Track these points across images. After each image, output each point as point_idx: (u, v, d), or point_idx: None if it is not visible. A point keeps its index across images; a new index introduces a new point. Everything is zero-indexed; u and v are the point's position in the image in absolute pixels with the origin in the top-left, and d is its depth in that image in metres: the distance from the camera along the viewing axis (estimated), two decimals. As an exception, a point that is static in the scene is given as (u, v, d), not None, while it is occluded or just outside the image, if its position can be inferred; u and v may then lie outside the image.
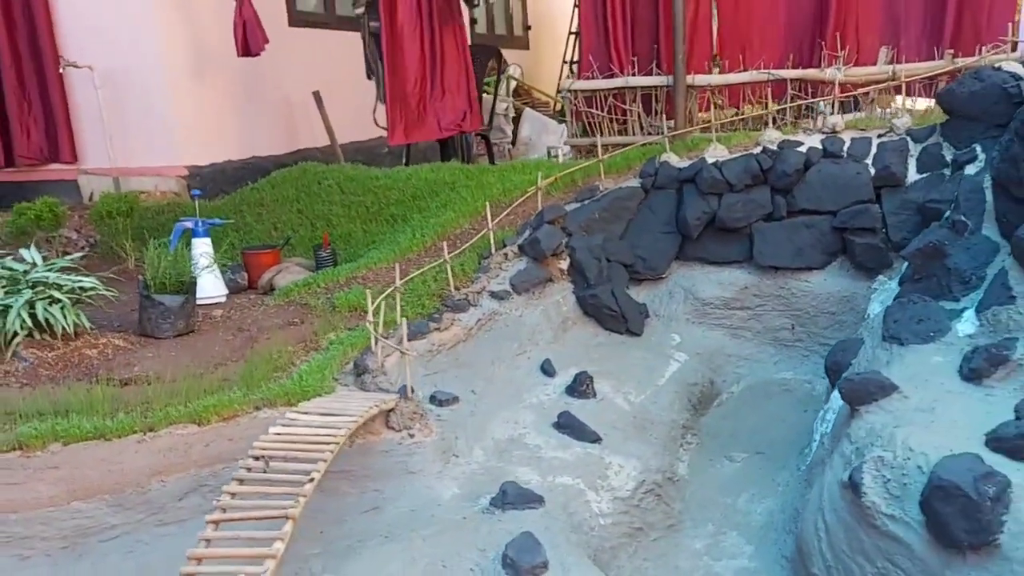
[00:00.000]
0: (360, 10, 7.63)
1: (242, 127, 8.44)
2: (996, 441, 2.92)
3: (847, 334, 4.84)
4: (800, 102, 6.30)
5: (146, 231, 6.49)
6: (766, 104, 6.26)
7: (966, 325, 3.82)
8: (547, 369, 4.81)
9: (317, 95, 8.50)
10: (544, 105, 13.05)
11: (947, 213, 4.61)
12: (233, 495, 2.75)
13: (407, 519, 3.33)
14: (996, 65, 5.08)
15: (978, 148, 4.90)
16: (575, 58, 8.50)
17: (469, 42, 10.36)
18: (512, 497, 3.30)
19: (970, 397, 3.34)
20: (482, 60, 9.02)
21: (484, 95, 9.58)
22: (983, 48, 5.91)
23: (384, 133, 7.47)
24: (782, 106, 6.20)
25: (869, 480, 3.05)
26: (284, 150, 8.91)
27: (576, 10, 7.41)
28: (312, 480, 2.76)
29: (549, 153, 8.98)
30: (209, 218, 5.58)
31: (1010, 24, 5.91)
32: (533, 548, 2.89)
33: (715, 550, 3.88)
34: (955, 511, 2.67)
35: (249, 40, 7.46)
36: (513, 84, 12.67)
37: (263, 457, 2.89)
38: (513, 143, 11.56)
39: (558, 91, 9.67)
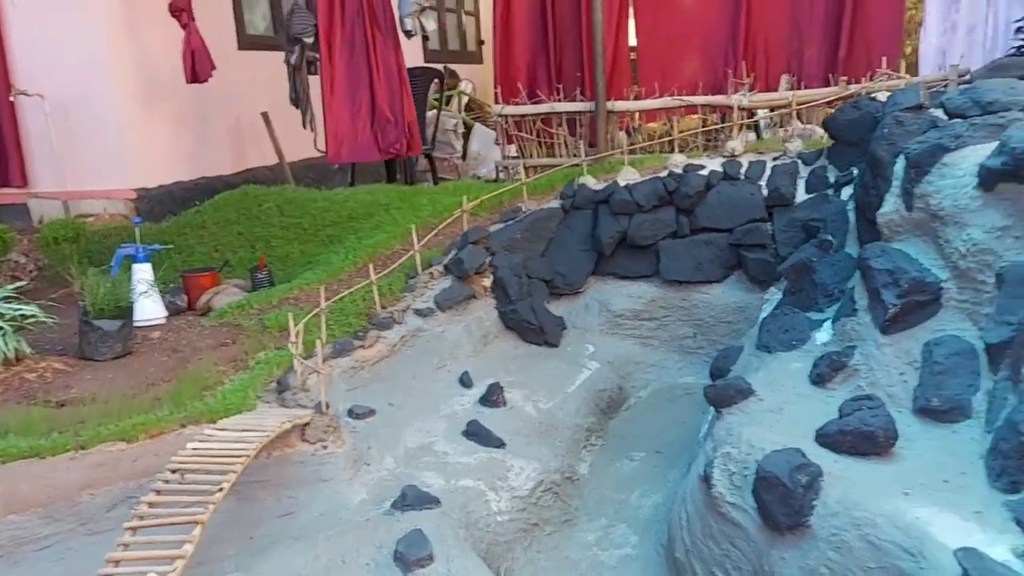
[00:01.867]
0: (311, 39, 7.97)
1: (192, 149, 8.76)
2: (823, 437, 3.37)
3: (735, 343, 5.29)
4: (711, 127, 6.76)
5: (93, 255, 6.80)
6: (670, 130, 6.72)
7: (823, 335, 4.29)
8: (465, 381, 5.21)
9: (266, 115, 8.84)
10: (495, 121, 13.45)
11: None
12: (151, 504, 3.11)
13: (317, 522, 3.70)
14: (871, 95, 5.57)
15: (855, 171, 5.38)
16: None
17: (420, 63, 10.76)
18: (411, 499, 3.69)
19: (814, 399, 3.80)
20: (425, 82, 9.42)
21: (429, 112, 9.98)
22: (871, 76, 6.42)
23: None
24: (690, 131, 6.66)
25: (718, 473, 3.49)
26: (233, 170, 9.24)
27: (495, 36, 7.83)
28: (221, 489, 3.13)
29: (497, 168, 9.40)
30: (149, 244, 5.91)
31: (900, 58, 6.43)
32: (420, 543, 3.28)
33: (604, 541, 4.31)
34: (775, 498, 3.11)
35: (197, 67, 7.80)
36: (465, 99, 13.06)
37: (179, 470, 3.25)
38: (463, 157, 11.95)
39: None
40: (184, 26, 7.65)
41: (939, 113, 4.13)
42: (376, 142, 7.87)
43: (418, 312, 5.53)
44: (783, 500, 3.10)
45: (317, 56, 7.76)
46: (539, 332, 5.87)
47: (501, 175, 7.99)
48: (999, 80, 3.89)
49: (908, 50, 6.80)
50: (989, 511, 2.82)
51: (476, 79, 14.20)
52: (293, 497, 3.88)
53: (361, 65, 7.68)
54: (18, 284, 5.16)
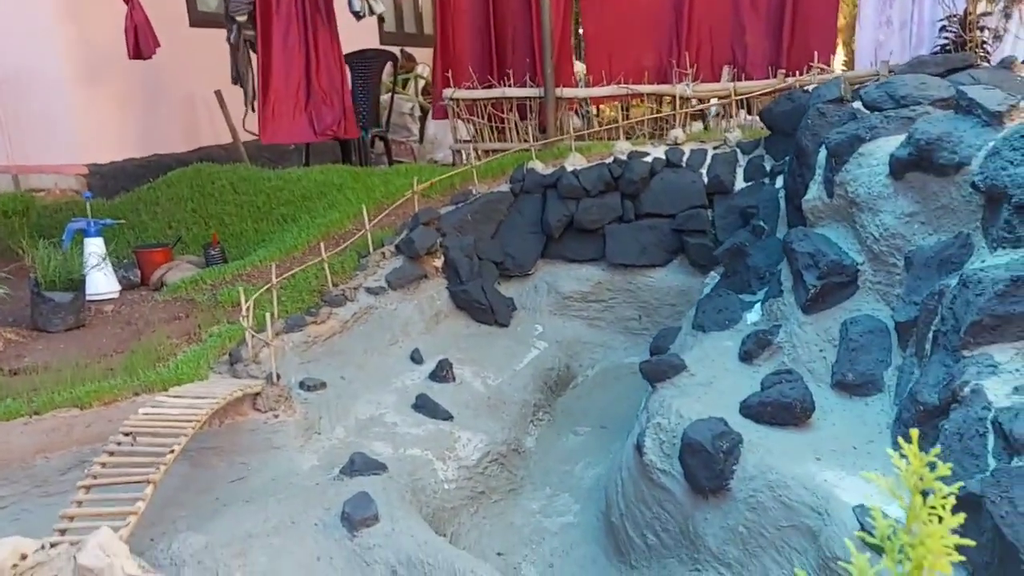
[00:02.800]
0: (243, 18, 7.97)
1: (143, 125, 8.71)
2: (745, 408, 3.62)
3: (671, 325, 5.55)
4: (656, 115, 7.00)
5: (44, 229, 6.77)
6: (623, 117, 6.94)
7: (754, 315, 4.56)
8: (415, 357, 5.37)
9: (219, 94, 8.81)
10: (451, 104, 13.53)
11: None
12: (103, 465, 3.22)
13: (268, 486, 3.84)
14: (805, 87, 5.85)
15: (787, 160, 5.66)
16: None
17: (375, 45, 10.79)
18: (359, 465, 3.85)
19: (741, 374, 4.06)
20: (378, 65, 9.47)
21: (385, 96, 10.04)
22: (808, 69, 6.71)
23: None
24: (637, 119, 6.89)
25: (649, 442, 3.73)
26: (186, 148, 9.21)
27: (437, 24, 7.94)
28: (172, 452, 3.25)
29: (453, 153, 9.52)
30: (101, 218, 5.93)
31: (832, 53, 6.72)
32: (366, 504, 3.45)
33: (548, 509, 4.53)
34: (699, 463, 3.35)
35: (140, 44, 7.74)
36: (422, 83, 13.11)
37: (132, 433, 3.37)
38: (420, 141, 12.03)
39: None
40: (127, 1, 7.59)
41: (859, 106, 4.41)
42: (311, 123, 7.92)
43: (369, 290, 5.67)
44: (706, 465, 3.34)
45: (254, 35, 7.78)
46: (489, 312, 6.05)
47: (455, 159, 8.13)
48: (912, 76, 4.16)
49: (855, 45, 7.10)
50: (890, 474, 3.10)
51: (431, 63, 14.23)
52: (245, 463, 4.02)
53: (297, 46, 7.71)
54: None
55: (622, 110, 7.64)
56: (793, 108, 5.62)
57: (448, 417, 4.75)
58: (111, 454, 3.30)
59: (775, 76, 6.77)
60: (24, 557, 2.66)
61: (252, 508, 3.60)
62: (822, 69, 6.44)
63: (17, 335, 4.87)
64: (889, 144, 3.85)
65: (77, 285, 5.07)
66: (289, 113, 7.79)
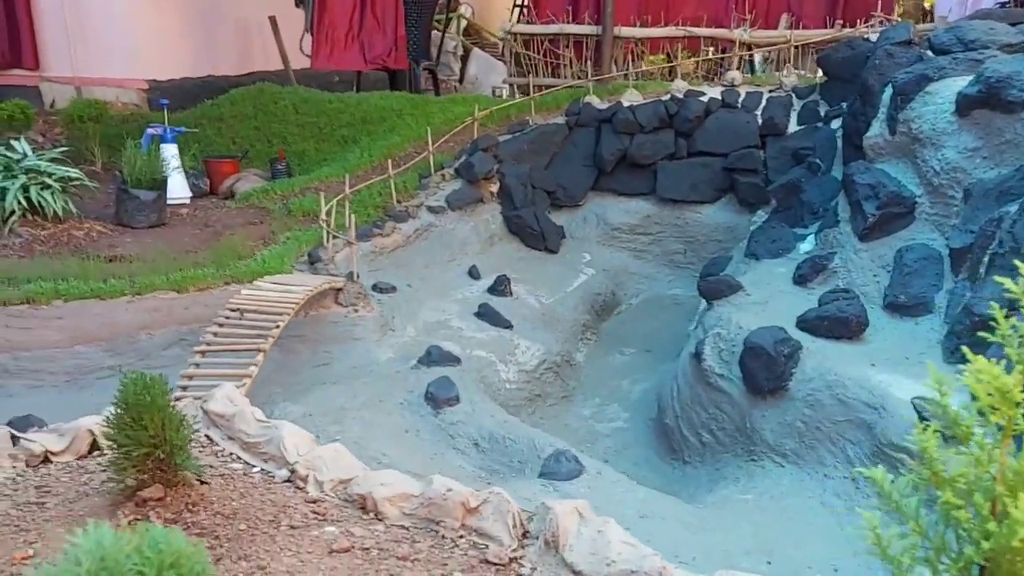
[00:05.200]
0: None
1: (200, 46, 8.88)
2: (802, 322, 3.88)
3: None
4: (713, 57, 7.13)
5: (111, 138, 7.02)
6: (672, 56, 7.08)
7: (807, 245, 4.79)
8: (473, 273, 5.64)
9: (273, 20, 8.94)
10: (492, 46, 13.57)
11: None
12: (215, 334, 3.52)
13: (351, 372, 4.15)
14: (866, 36, 5.99)
15: (844, 105, 5.82)
16: (523, 1, 9.10)
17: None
18: (436, 357, 4.15)
19: (796, 295, 4.31)
20: (432, 1, 9.57)
21: (434, 32, 10.15)
22: (867, 20, 6.83)
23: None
24: (696, 59, 7.03)
25: (708, 350, 4.00)
26: (239, 71, 9.37)
27: None
28: (278, 327, 3.55)
29: (493, 92, 9.66)
30: (176, 126, 6.17)
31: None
32: (448, 387, 3.75)
33: (599, 416, 4.83)
34: (760, 365, 3.63)
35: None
36: (463, 23, 13.15)
37: (238, 309, 3.66)
38: (460, 81, 12.14)
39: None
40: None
41: (925, 51, 4.58)
42: (362, 52, 8.08)
43: (431, 209, 5.92)
44: (767, 367, 3.61)
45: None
46: (540, 238, 6.30)
47: (500, 93, 8.28)
48: (981, 22, 4.33)
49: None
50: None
51: (474, 4, 14.24)
52: (328, 351, 4.32)
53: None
54: (60, 148, 5.41)
55: (669, 60, 7.74)
56: (853, 55, 5.77)
57: (508, 326, 5.03)
58: (220, 326, 3.59)
59: (832, 27, 6.88)
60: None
61: (341, 388, 3.91)
62: (885, 19, 6.55)
63: (105, 228, 5.15)
64: (956, 84, 4.03)
65: (160, 185, 5.34)
66: (342, 41, 7.94)
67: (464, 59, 12.47)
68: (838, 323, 3.76)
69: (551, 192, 6.64)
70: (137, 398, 2.24)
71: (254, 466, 2.65)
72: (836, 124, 5.72)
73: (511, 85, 8.18)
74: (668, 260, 6.52)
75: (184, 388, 3.26)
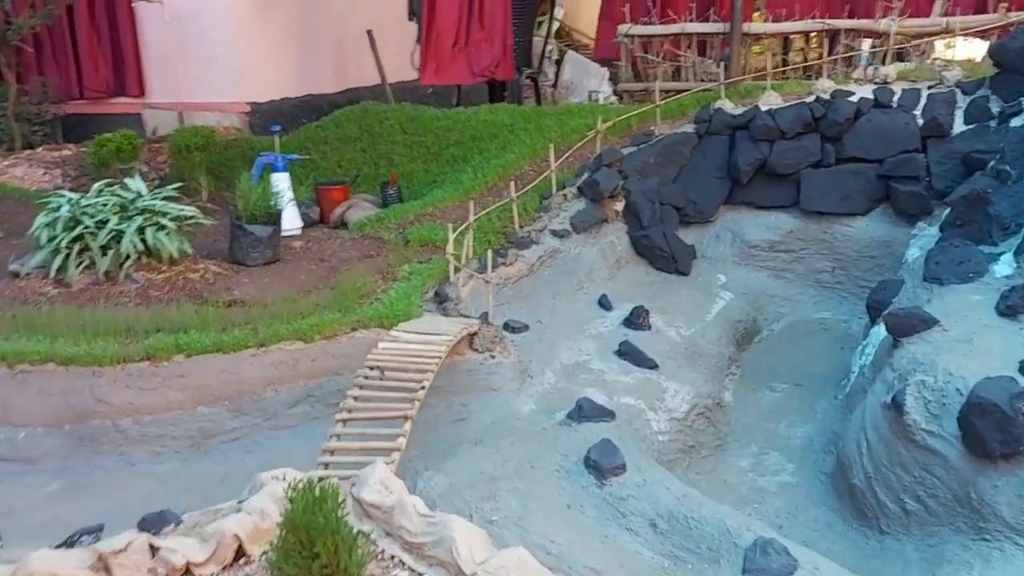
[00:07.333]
0: None
1: (299, 65, 8.71)
2: (1029, 369, 3.26)
3: (885, 277, 5.13)
4: (850, 53, 6.46)
5: (214, 166, 6.86)
6: (805, 55, 6.43)
7: (1003, 267, 4.12)
8: (604, 303, 5.18)
9: (370, 34, 8.71)
10: (585, 47, 13.08)
11: (991, 163, 4.85)
12: (356, 398, 3.16)
13: (492, 429, 3.74)
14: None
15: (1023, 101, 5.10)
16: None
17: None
18: (587, 411, 3.70)
19: (1005, 330, 3.66)
20: (533, 3, 9.15)
21: (535, 38, 9.72)
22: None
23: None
24: (831, 57, 6.37)
25: (911, 401, 3.41)
26: (337, 88, 9.17)
27: None
28: (423, 388, 3.16)
29: (590, 96, 9.16)
30: (288, 154, 5.92)
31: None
32: (612, 452, 3.29)
33: (759, 467, 4.28)
34: (990, 425, 3.03)
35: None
36: (556, 25, 12.71)
37: (378, 367, 3.29)
38: (555, 85, 11.70)
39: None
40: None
41: None
42: (470, 65, 7.70)
43: (555, 233, 5.48)
44: (1000, 427, 3.01)
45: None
46: (670, 260, 5.78)
47: (611, 100, 7.78)
48: None
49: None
50: None
51: (564, 5, 13.77)
52: (464, 404, 3.92)
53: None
54: (174, 185, 5.21)
55: (772, 56, 7.06)
56: (1035, 42, 5.05)
57: (653, 366, 4.54)
58: (361, 388, 3.24)
59: (994, 11, 6.12)
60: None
61: (486, 450, 3.50)
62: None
63: (220, 267, 4.91)
64: None
65: (274, 219, 5.07)
66: (448, 54, 7.60)
67: (558, 63, 12.04)
68: (1079, 372, 3.12)
69: (680, 208, 6.10)
70: (308, 519, 1.87)
71: (422, 574, 2.27)
72: (1017, 122, 5.01)
73: (619, 92, 7.66)
74: (814, 280, 5.89)
75: (326, 466, 2.91)
